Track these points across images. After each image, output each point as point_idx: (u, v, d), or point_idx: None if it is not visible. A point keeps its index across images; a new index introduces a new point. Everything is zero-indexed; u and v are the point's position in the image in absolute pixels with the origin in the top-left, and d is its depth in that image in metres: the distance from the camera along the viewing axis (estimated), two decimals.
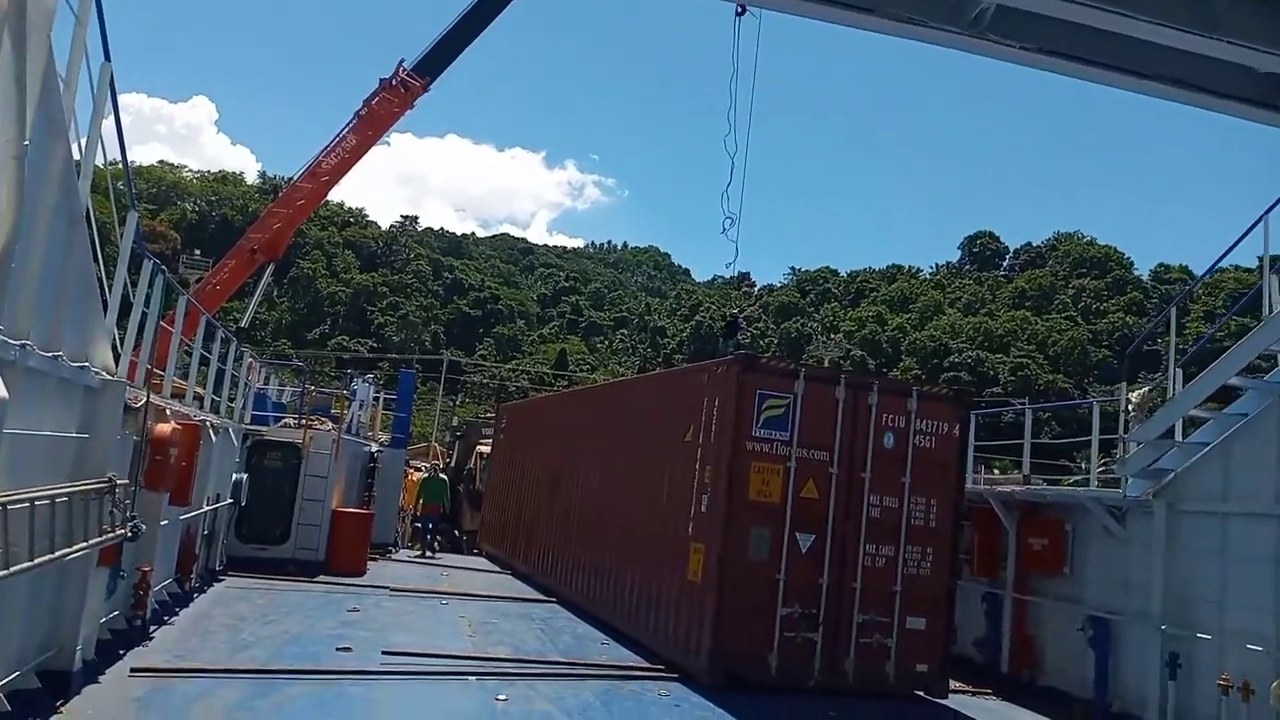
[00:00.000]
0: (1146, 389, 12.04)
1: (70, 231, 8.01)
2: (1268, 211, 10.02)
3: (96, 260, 8.69)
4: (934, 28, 8.57)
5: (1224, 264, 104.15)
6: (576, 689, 10.41)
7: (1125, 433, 11.95)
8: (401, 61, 28.56)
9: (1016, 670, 13.28)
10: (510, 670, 10.92)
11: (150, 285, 10.37)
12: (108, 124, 8.44)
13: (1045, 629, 13.15)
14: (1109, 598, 12.05)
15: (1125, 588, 11.81)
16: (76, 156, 7.98)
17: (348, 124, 28.81)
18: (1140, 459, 11.61)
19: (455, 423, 66.52)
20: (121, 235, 9.56)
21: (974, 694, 12.51)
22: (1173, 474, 11.39)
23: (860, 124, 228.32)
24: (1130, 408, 12.00)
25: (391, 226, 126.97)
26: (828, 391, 11.95)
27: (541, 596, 16.84)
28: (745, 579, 11.29)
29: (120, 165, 9.99)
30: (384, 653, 10.82)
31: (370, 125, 28.77)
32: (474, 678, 10.43)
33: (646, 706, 10.04)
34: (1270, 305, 10.35)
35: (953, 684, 12.11)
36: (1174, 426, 11.61)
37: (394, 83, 28.34)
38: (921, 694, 11.84)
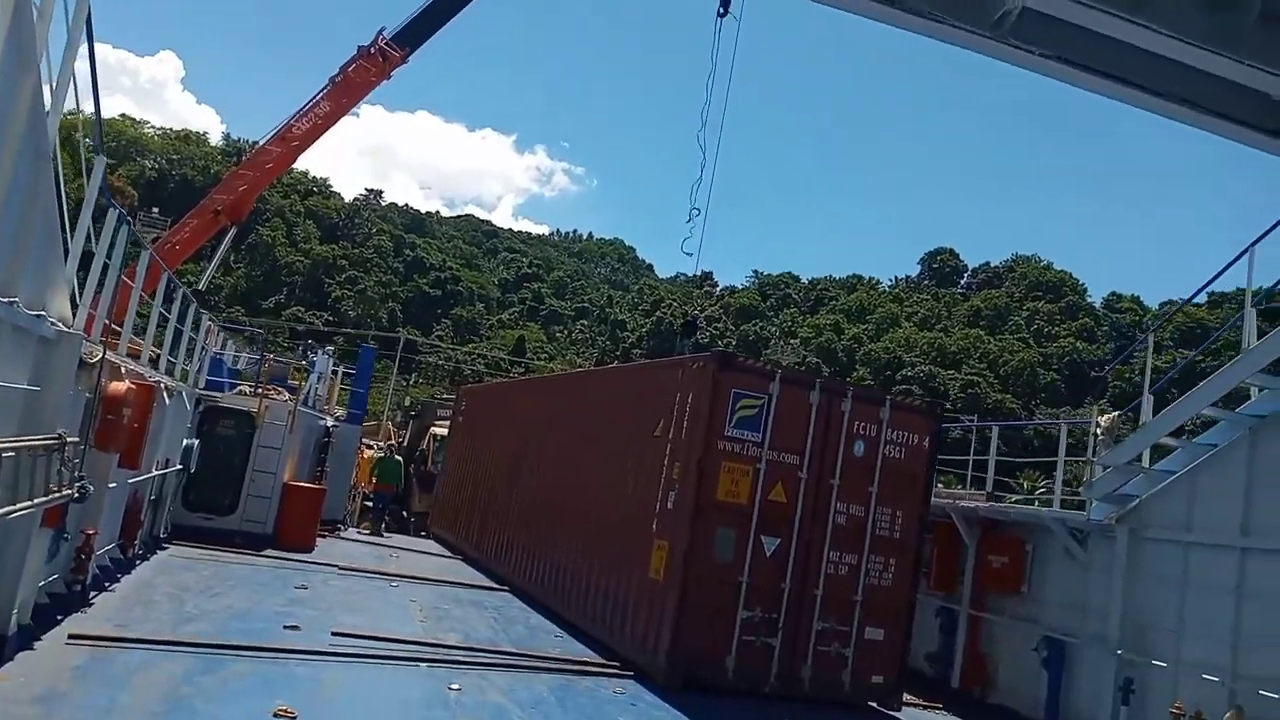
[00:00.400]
0: (1115, 414, 12.09)
1: (35, 170, 7.62)
2: (1254, 244, 10.08)
3: (60, 205, 8.28)
4: (956, 26, 8.43)
5: (1172, 297, 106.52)
6: (530, 682, 10.17)
7: (1093, 456, 11.98)
8: (382, 30, 28.08)
9: (967, 686, 13.30)
10: (462, 659, 10.64)
11: (114, 236, 9.97)
12: (78, 66, 8.02)
13: (999, 647, 13.18)
14: (1065, 620, 12.09)
15: (1083, 611, 11.85)
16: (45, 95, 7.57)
17: (322, 89, 28.25)
18: (1107, 483, 11.65)
19: (408, 402, 65.87)
20: (88, 182, 9.16)
21: (926, 708, 12.48)
22: (1138, 500, 11.44)
23: (831, 133, 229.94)
24: (1099, 432, 12.04)
25: (355, 199, 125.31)
26: (802, 395, 11.83)
27: (494, 584, 16.55)
28: (708, 579, 11.12)
29: (80, 114, 9.55)
30: (333, 634, 10.49)
31: (345, 93, 28.25)
32: (425, 664, 10.15)
33: (601, 704, 9.83)
34: (1247, 339, 10.39)
35: (905, 697, 12.08)
36: (1142, 453, 11.68)
37: (373, 51, 27.86)
38: (875, 705, 11.78)
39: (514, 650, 11.48)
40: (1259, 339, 10.23)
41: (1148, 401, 11.39)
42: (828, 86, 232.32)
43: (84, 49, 7.89)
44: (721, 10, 17.24)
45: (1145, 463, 11.68)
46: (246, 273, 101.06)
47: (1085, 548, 12.01)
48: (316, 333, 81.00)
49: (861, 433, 11.98)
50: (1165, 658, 10.54)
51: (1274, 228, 9.98)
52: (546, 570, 15.14)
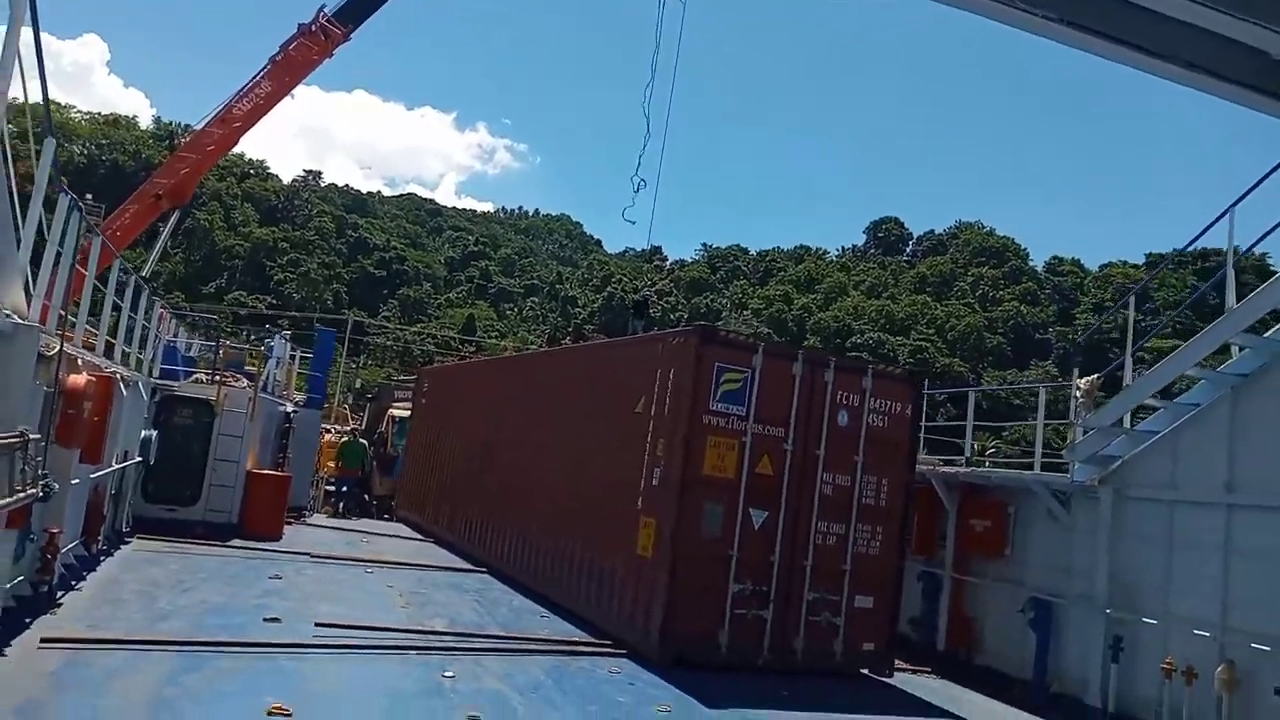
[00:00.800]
0: (1095, 376, 12.13)
1: None
2: (1234, 205, 10.10)
3: (10, 190, 7.79)
4: None
5: (1111, 259, 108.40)
6: (524, 665, 9.96)
7: (1075, 418, 12.03)
8: (323, 7, 27.25)
9: (953, 649, 13.37)
10: (452, 645, 10.39)
11: (65, 222, 9.47)
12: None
13: (983, 609, 13.26)
14: (1050, 581, 12.17)
15: (1068, 572, 11.93)
16: None
17: (262, 69, 27.38)
18: (1090, 445, 11.70)
19: (358, 385, 64.88)
20: (36, 166, 8.66)
21: (914, 673, 12.51)
22: (1120, 461, 11.50)
23: (776, 105, 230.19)
24: (1079, 394, 12.08)
25: (294, 180, 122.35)
26: (785, 367, 11.69)
27: (470, 566, 16.26)
28: (697, 555, 10.98)
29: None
30: (317, 625, 10.16)
31: (287, 71, 27.42)
32: (414, 653, 9.89)
33: (599, 684, 9.64)
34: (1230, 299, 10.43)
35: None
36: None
37: (314, 29, 27.04)
38: (867, 673, 11.78)
39: (503, 633, 11.25)
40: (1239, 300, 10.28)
41: (1130, 363, 11.44)
42: (770, 60, 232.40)
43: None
44: None
45: (1126, 423, 11.73)
46: (185, 258, 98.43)
47: (1068, 509, 12.07)
48: (260, 316, 79.32)
49: (845, 403, 11.90)
50: (1154, 615, 10.64)
51: (1253, 189, 10.00)
52: (526, 550, 14.90)
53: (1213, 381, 10.69)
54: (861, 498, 11.84)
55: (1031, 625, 12.03)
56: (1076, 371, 12.01)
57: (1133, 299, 12.20)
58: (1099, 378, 12.17)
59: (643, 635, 11.00)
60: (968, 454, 14.59)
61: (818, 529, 11.57)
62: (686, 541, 10.94)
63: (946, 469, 14.10)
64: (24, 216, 8.21)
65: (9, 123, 9.24)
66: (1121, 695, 10.78)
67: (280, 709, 7.44)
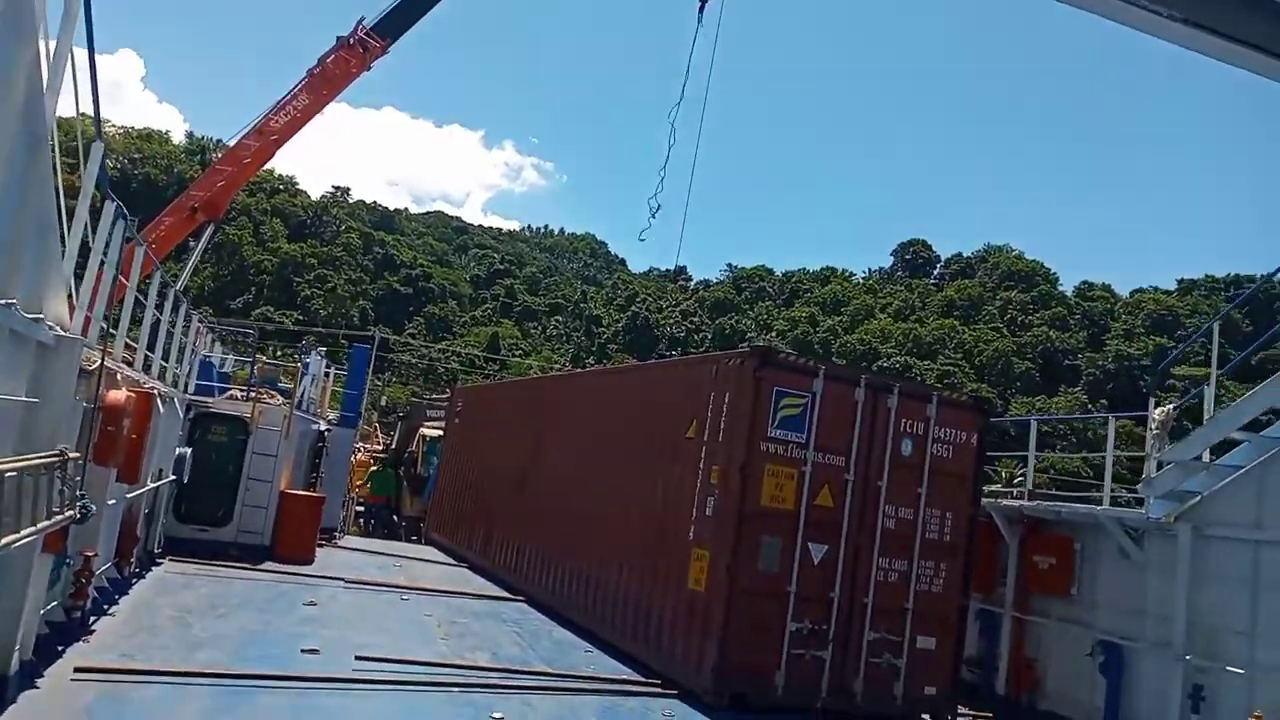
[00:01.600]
0: (1171, 407, 11.54)
1: (31, 157, 6.81)
2: None
3: (59, 198, 7.48)
4: None
5: (1142, 285, 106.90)
6: (574, 706, 9.47)
7: (1151, 451, 11.42)
8: (361, 20, 27.16)
9: (1015, 693, 12.72)
10: (497, 682, 9.92)
11: (110, 232, 9.14)
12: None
13: (1046, 651, 12.60)
14: (1121, 623, 11.53)
15: (1141, 613, 11.29)
16: None
17: (300, 82, 27.27)
18: (1169, 480, 11.09)
19: (383, 403, 64.65)
20: (83, 172, 8.36)
21: (976, 718, 11.89)
22: (1199, 497, 10.88)
23: (802, 125, 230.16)
24: (1154, 426, 11.49)
25: (322, 197, 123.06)
26: (847, 392, 11.17)
27: (507, 594, 15.75)
28: (754, 590, 10.44)
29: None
30: (357, 658, 9.71)
31: (325, 84, 27.29)
32: (459, 690, 9.42)
33: None
34: None
35: None
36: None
37: (352, 42, 26.94)
38: (928, 718, 11.18)
39: (548, 670, 10.74)
40: None
41: (1211, 394, 10.84)
42: (799, 81, 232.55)
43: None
44: (701, 14, 17.26)
45: (1205, 457, 11.13)
46: (214, 272, 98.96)
47: (1142, 546, 11.45)
48: (287, 332, 79.49)
49: (908, 431, 11.36)
50: (1239, 663, 10.00)
51: None
52: (566, 580, 14.39)
53: None
54: (925, 532, 11.28)
55: (1101, 670, 11.39)
56: (1153, 402, 11.41)
57: (1216, 326, 11.53)
58: (1175, 408, 11.57)
59: (695, 675, 10.45)
60: (1030, 486, 13.96)
61: (879, 565, 11.01)
62: (743, 576, 10.40)
63: (1008, 501, 13.48)
64: (67, 225, 7.92)
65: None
66: None
67: None
